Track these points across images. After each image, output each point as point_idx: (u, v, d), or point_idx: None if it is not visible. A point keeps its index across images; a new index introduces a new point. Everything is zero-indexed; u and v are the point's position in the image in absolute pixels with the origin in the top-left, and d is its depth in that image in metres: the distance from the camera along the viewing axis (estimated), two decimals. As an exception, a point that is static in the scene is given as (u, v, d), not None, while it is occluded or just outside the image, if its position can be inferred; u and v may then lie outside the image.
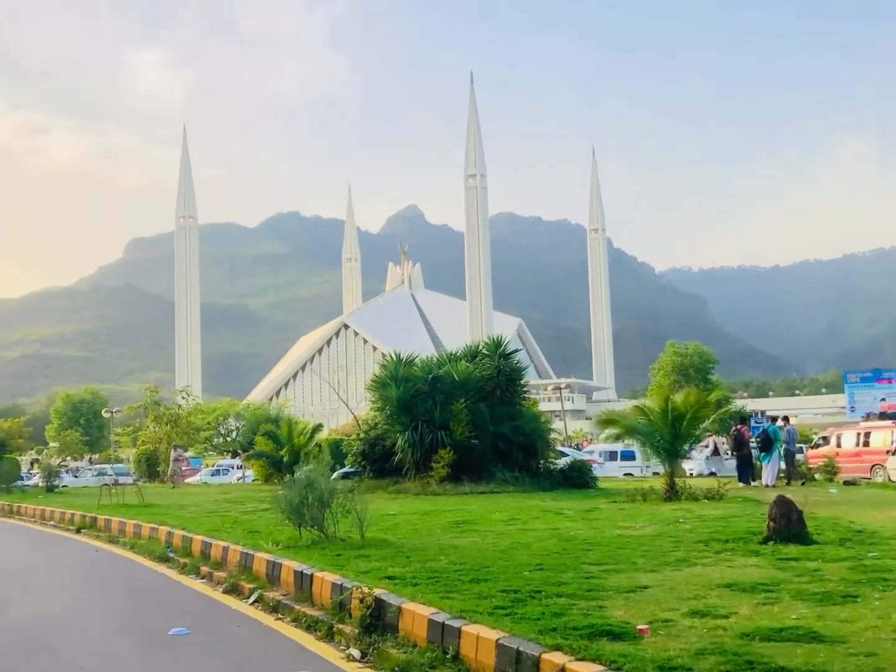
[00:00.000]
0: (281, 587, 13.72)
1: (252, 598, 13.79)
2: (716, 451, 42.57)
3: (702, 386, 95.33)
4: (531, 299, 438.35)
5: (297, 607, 12.35)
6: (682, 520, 18.63)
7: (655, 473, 47.48)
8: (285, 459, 39.84)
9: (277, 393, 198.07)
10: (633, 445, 49.81)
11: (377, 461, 35.15)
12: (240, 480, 59.37)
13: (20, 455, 77.96)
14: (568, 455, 40.48)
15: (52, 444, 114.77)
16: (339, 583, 11.67)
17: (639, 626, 8.37)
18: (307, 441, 40.79)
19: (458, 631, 8.77)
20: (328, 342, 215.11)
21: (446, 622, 9.06)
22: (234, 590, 14.75)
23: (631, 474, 46.49)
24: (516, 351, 38.00)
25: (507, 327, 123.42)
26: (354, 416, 51.35)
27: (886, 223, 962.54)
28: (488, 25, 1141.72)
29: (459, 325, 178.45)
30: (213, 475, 66.30)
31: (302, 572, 12.96)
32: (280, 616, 12.49)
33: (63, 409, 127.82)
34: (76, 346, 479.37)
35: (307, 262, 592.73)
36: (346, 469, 46.52)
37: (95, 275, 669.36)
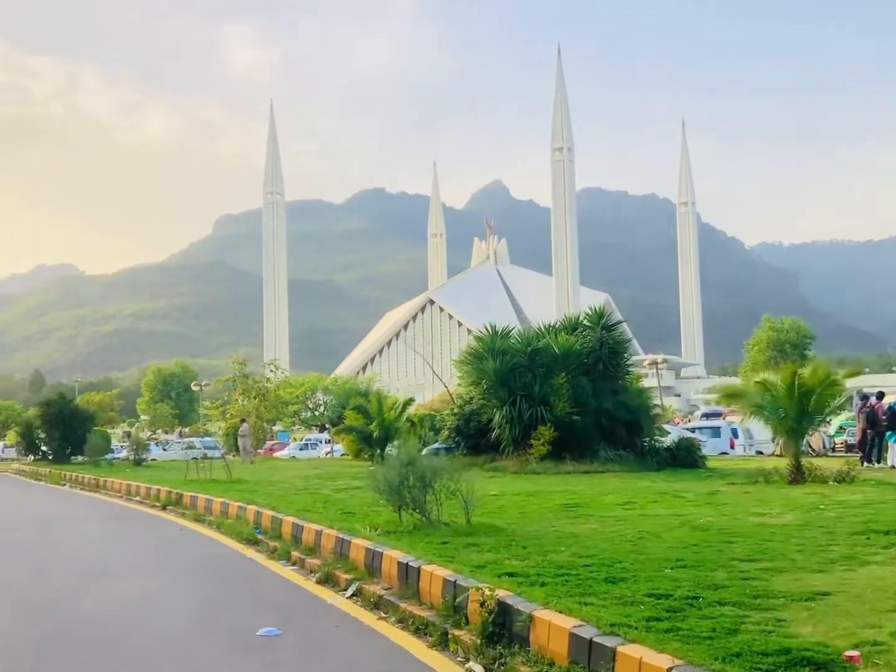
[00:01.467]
0: (382, 579, 12.10)
1: (350, 592, 12.18)
2: None
3: (799, 362, 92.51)
4: (618, 275, 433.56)
5: (403, 605, 10.71)
6: (821, 506, 16.68)
7: (759, 452, 45.27)
8: (375, 434, 38.40)
9: (364, 368, 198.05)
10: (737, 423, 47.61)
11: (472, 437, 33.28)
12: (328, 455, 58.42)
13: (112, 428, 78.00)
14: (670, 433, 38.40)
15: (143, 417, 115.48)
16: (452, 579, 9.97)
17: (846, 653, 6.54)
18: (398, 416, 39.24)
19: (613, 653, 6.99)
20: (414, 317, 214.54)
21: (595, 639, 7.27)
22: (328, 580, 13.18)
23: (726, 453, 44.26)
24: (620, 322, 35.83)
25: (593, 303, 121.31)
26: (448, 391, 49.79)
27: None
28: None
29: (545, 300, 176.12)
30: (301, 449, 65.60)
31: (407, 564, 11.27)
32: (383, 615, 10.84)
33: (154, 383, 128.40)
34: (168, 321, 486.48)
35: (392, 238, 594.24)
36: (436, 445, 45.11)
37: (186, 251, 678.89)
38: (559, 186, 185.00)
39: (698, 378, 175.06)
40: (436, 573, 10.47)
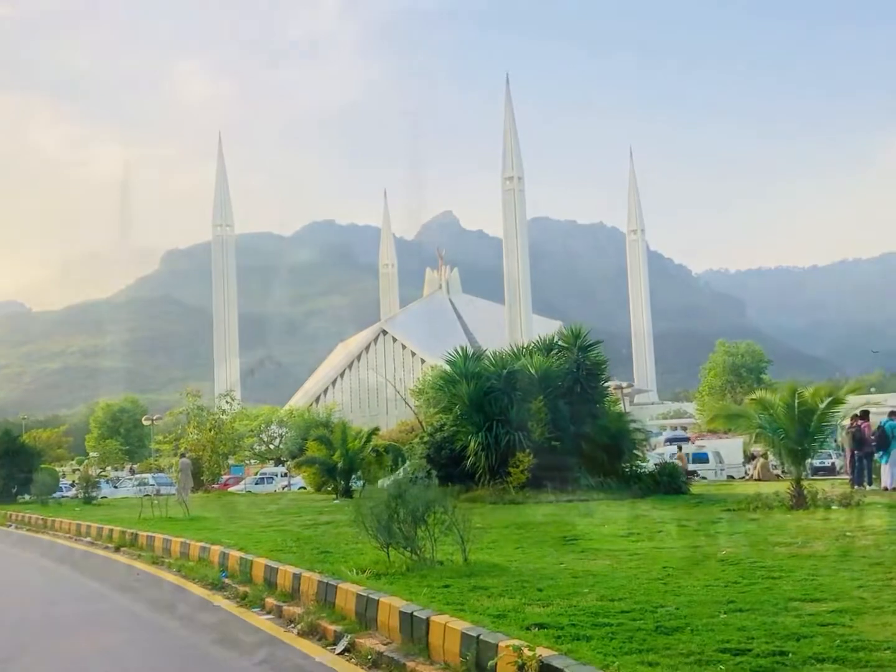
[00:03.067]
0: (379, 631, 10.41)
1: (341, 647, 10.47)
2: None
3: (756, 387, 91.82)
4: (569, 304, 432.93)
5: (410, 665, 9.02)
6: (847, 533, 15.26)
7: (730, 477, 44.22)
8: (339, 466, 36.61)
9: (317, 399, 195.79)
10: (704, 448, 46.58)
11: (444, 466, 30.90)
12: (285, 489, 56.58)
13: (60, 466, 75.73)
14: (649, 459, 37.07)
15: (92, 454, 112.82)
16: (474, 634, 8.28)
17: None
18: (363, 446, 37.45)
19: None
20: (367, 348, 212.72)
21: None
22: (312, 632, 11.50)
23: (704, 477, 43.03)
24: (597, 343, 34.14)
25: (547, 331, 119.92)
26: (418, 419, 48.07)
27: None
28: (524, 30, 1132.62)
29: (498, 329, 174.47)
30: (256, 483, 63.72)
31: (412, 615, 9.56)
32: (387, 677, 9.22)
33: (103, 419, 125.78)
34: (116, 356, 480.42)
35: (343, 269, 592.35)
36: (400, 475, 43.43)
37: (134, 286, 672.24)
38: (510, 216, 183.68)
39: (652, 404, 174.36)
40: (450, 626, 8.79)
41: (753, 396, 23.89)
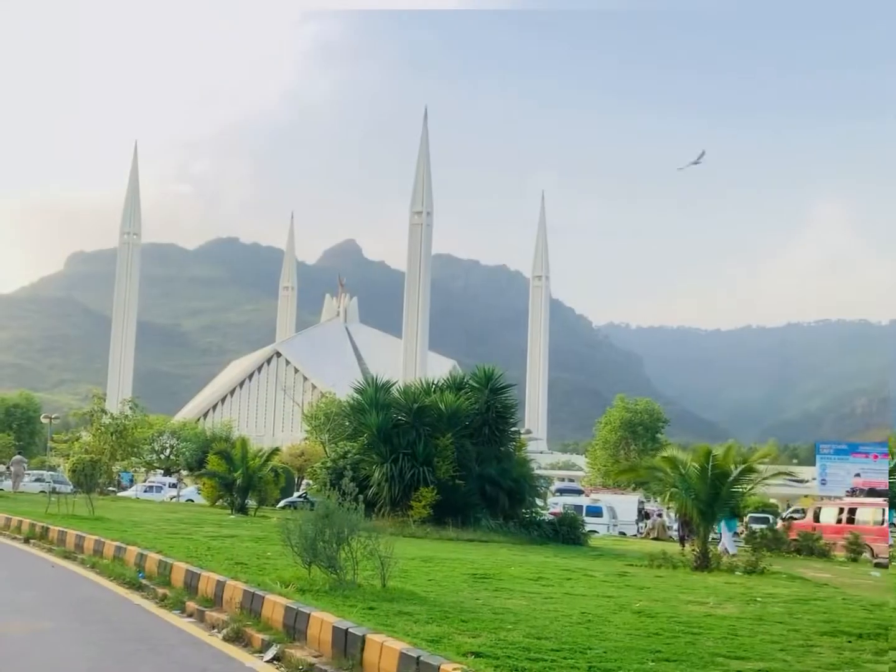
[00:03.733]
0: (309, 644, 10.65)
1: (270, 655, 10.71)
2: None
3: (650, 445, 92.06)
4: (464, 343, 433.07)
5: (345, 679, 9.34)
6: (758, 599, 15.66)
7: (622, 534, 44.63)
8: (238, 482, 36.44)
9: (205, 415, 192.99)
10: (599, 502, 46.68)
11: (345, 494, 31.00)
12: (173, 499, 55.80)
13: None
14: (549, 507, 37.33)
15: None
16: (414, 655, 8.60)
17: None
18: (263, 465, 37.33)
19: None
20: (259, 368, 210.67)
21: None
22: (238, 638, 11.69)
23: (596, 531, 43.04)
24: (509, 386, 34.45)
25: (441, 369, 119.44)
26: (324, 446, 47.78)
27: (832, 295, 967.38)
28: (446, 57, 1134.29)
29: (393, 361, 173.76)
30: (145, 491, 62.78)
31: (347, 631, 9.84)
32: (320, 688, 9.48)
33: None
34: (11, 352, 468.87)
35: (241, 288, 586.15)
36: (291, 499, 43.27)
37: (36, 284, 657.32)
38: (415, 250, 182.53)
39: (541, 453, 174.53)
40: (388, 645, 9.09)
41: (665, 454, 23.93)
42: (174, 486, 62.86)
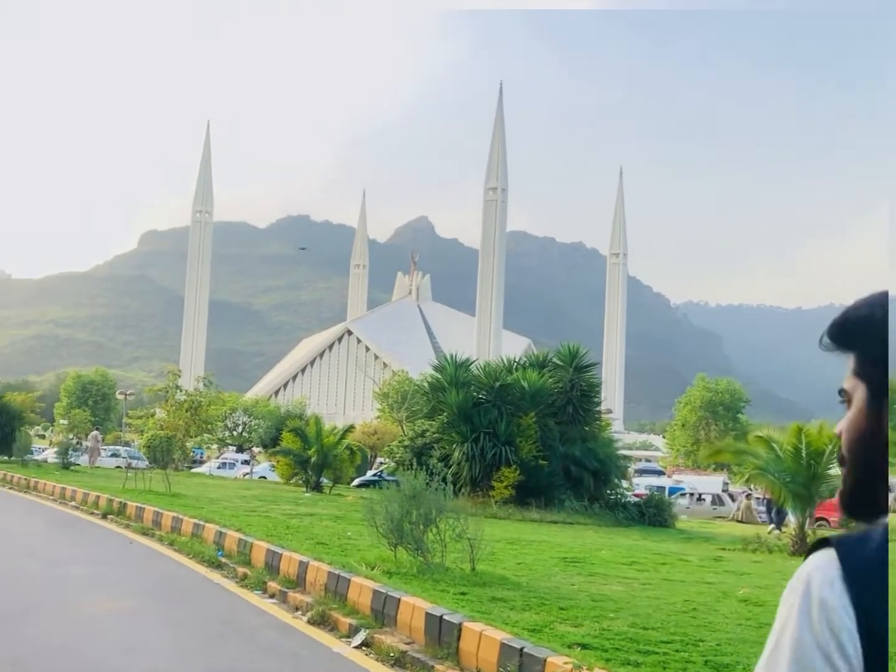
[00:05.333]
0: (398, 630, 10.20)
1: (358, 640, 10.26)
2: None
3: (731, 426, 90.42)
4: (537, 322, 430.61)
5: (440, 668, 8.81)
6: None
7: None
8: (313, 460, 36.13)
9: (277, 392, 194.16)
10: (682, 483, 45.43)
11: (432, 474, 30.18)
12: (246, 476, 55.81)
13: (31, 429, 74.71)
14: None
15: (61, 422, 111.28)
16: (517, 646, 8.08)
17: None
18: (337, 442, 36.97)
19: None
20: (331, 346, 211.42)
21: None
22: (323, 622, 11.27)
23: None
24: (593, 364, 33.63)
25: (515, 347, 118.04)
26: (401, 425, 47.24)
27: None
28: (520, 41, 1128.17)
29: (466, 340, 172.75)
30: (218, 468, 62.95)
31: (441, 618, 9.34)
32: (415, 677, 9.00)
33: (73, 389, 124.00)
34: (87, 329, 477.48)
35: (313, 265, 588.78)
36: (366, 478, 42.96)
37: (111, 262, 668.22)
38: (489, 227, 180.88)
39: (617, 433, 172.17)
40: (487, 634, 8.59)
41: (759, 434, 22.82)
42: (247, 462, 62.92)
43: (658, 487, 43.30)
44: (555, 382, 30.68)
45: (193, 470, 60.04)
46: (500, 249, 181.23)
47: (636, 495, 33.75)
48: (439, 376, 32.10)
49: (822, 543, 1.51)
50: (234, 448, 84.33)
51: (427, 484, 13.02)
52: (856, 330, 1.58)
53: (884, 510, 1.53)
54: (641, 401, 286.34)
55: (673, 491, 43.24)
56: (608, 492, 30.42)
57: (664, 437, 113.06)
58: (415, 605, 9.98)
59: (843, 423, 1.62)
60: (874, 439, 1.55)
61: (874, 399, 1.55)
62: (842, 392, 1.63)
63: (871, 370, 1.57)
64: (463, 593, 11.18)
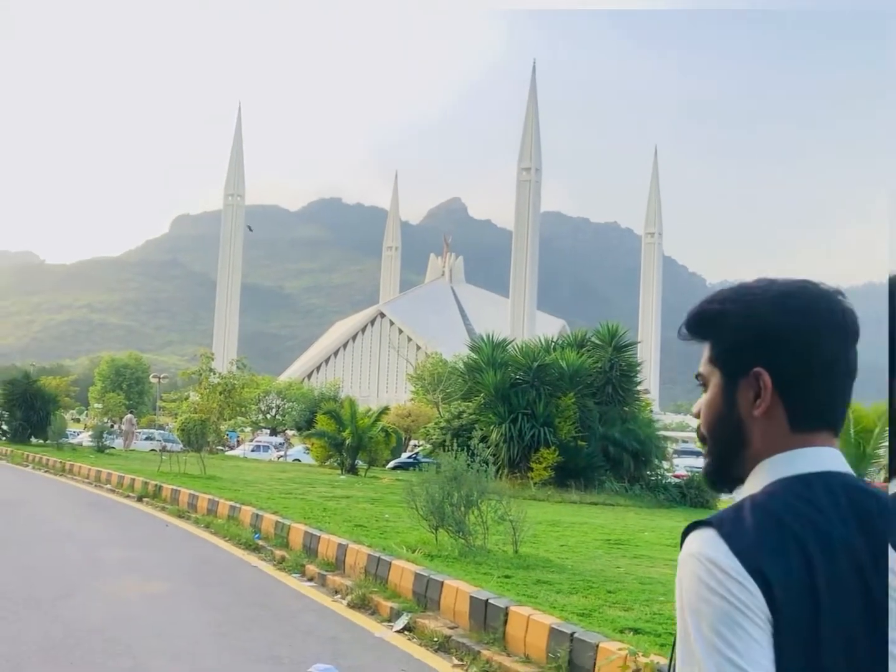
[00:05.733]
0: (442, 615, 9.93)
1: (400, 625, 10.01)
2: None
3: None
4: (572, 303, 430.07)
5: (485, 653, 8.53)
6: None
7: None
8: (348, 442, 35.93)
9: (309, 375, 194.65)
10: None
11: (474, 455, 29.54)
12: (280, 459, 55.86)
13: (65, 413, 75.23)
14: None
15: (95, 405, 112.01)
16: (568, 631, 7.79)
17: None
18: (372, 424, 36.74)
19: None
20: (363, 329, 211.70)
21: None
22: (363, 606, 11.03)
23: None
24: (633, 343, 33.22)
25: (550, 328, 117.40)
26: (437, 406, 46.92)
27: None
28: (554, 22, 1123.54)
29: (500, 322, 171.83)
30: (252, 451, 63.07)
31: (487, 601, 9.06)
32: (458, 662, 8.71)
33: (107, 373, 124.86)
34: (120, 314, 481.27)
35: (345, 248, 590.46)
36: (401, 460, 42.78)
37: (143, 247, 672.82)
38: (523, 208, 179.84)
39: (654, 414, 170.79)
40: (535, 619, 8.30)
41: None
42: (280, 445, 63.02)
43: (697, 468, 42.74)
44: (594, 362, 30.21)
45: (227, 453, 60.17)
46: (534, 230, 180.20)
47: (675, 476, 33.34)
48: (476, 357, 31.77)
49: (698, 525, 1.64)
50: (268, 431, 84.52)
51: (468, 465, 12.74)
52: (710, 322, 1.76)
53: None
54: (677, 381, 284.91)
55: None
56: (648, 473, 30.02)
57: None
58: (458, 589, 9.72)
59: (699, 403, 1.79)
60: (728, 419, 1.73)
61: (728, 383, 1.73)
62: (698, 376, 1.80)
63: (724, 358, 1.74)
64: (507, 576, 10.91)
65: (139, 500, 23.57)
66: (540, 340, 33.49)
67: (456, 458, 12.87)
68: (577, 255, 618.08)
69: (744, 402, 1.71)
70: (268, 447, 64.89)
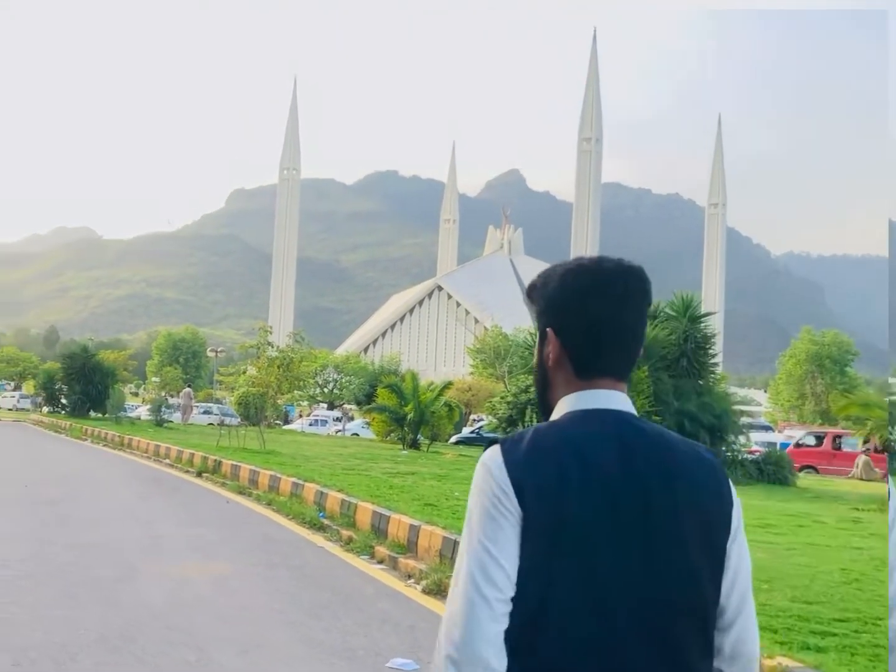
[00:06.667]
0: (528, 602, 9.25)
1: (483, 613, 9.32)
2: None
3: (838, 379, 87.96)
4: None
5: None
6: None
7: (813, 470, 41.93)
8: (410, 416, 35.34)
9: (366, 349, 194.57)
10: (794, 438, 43.66)
11: None
12: (338, 433, 55.54)
13: (123, 387, 75.80)
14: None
15: (153, 379, 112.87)
16: None
17: None
18: (435, 399, 36.08)
19: None
20: (420, 303, 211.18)
21: None
22: (439, 592, 10.37)
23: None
24: (709, 314, 32.26)
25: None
26: (502, 379, 46.15)
27: None
28: None
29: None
30: (310, 425, 62.84)
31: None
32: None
33: (164, 347, 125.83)
34: (177, 289, 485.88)
35: (401, 222, 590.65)
36: (463, 435, 42.23)
37: (199, 222, 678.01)
38: (583, 179, 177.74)
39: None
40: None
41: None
42: (338, 420, 62.68)
43: (768, 443, 41.69)
44: (667, 334, 29.27)
45: (285, 427, 60.07)
46: (595, 202, 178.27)
47: (749, 452, 32.38)
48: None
49: (494, 441, 2.05)
50: (325, 405, 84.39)
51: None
52: (530, 292, 2.26)
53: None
54: (741, 354, 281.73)
55: (784, 446, 41.44)
56: (723, 449, 29.13)
57: (765, 392, 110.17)
58: (545, 576, 9.03)
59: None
60: (539, 367, 2.21)
61: (539, 339, 2.20)
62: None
63: (536, 320, 2.23)
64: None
65: (198, 475, 23.25)
66: None
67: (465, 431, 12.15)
68: (637, 227, 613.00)
69: (545, 354, 2.17)
70: (325, 421, 64.60)
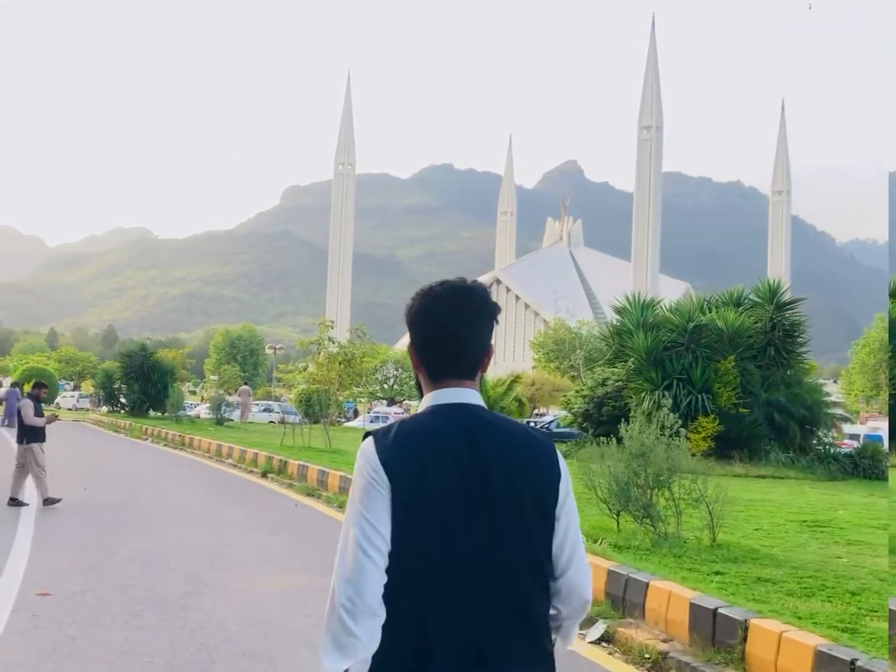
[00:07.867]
0: (647, 623, 8.19)
1: (596, 635, 8.30)
2: None
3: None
4: (694, 266, 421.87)
5: (723, 679, 6.84)
6: None
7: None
8: (479, 413, 34.41)
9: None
10: (879, 430, 42.24)
11: (603, 424, 26.91)
12: (402, 430, 54.81)
13: (182, 385, 75.80)
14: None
15: (211, 377, 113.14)
16: (848, 659, 5.93)
17: None
18: (504, 393, 35.15)
19: None
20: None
21: None
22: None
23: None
24: (798, 301, 30.96)
25: (673, 292, 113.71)
26: (576, 372, 45.15)
27: None
28: None
29: (621, 286, 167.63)
30: (371, 422, 62.23)
31: (716, 611, 7.27)
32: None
33: (222, 345, 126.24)
34: (233, 287, 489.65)
35: (457, 215, 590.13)
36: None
37: (254, 220, 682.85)
38: (643, 168, 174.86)
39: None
40: (789, 637, 6.49)
41: None
42: (400, 416, 62.06)
43: (851, 435, 40.33)
44: (753, 321, 28.03)
45: (346, 424, 59.53)
46: (656, 191, 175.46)
47: (840, 445, 31.04)
48: (622, 319, 29.87)
49: (368, 434, 2.49)
50: (385, 401, 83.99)
51: (657, 438, 11.00)
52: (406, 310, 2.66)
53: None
54: (807, 344, 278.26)
55: (869, 439, 39.97)
56: (815, 443, 27.86)
57: (836, 382, 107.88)
58: (671, 592, 7.97)
59: None
60: (415, 371, 2.63)
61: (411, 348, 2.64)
62: None
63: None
64: (718, 573, 9.17)
65: (263, 475, 22.44)
66: (692, 300, 31.49)
67: (640, 431, 11.12)
68: (698, 215, 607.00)
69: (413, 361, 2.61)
70: (387, 417, 63.98)
